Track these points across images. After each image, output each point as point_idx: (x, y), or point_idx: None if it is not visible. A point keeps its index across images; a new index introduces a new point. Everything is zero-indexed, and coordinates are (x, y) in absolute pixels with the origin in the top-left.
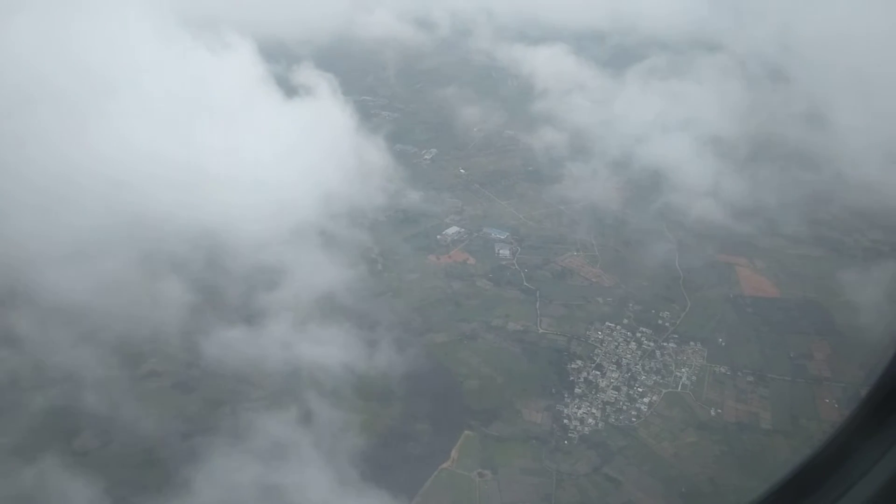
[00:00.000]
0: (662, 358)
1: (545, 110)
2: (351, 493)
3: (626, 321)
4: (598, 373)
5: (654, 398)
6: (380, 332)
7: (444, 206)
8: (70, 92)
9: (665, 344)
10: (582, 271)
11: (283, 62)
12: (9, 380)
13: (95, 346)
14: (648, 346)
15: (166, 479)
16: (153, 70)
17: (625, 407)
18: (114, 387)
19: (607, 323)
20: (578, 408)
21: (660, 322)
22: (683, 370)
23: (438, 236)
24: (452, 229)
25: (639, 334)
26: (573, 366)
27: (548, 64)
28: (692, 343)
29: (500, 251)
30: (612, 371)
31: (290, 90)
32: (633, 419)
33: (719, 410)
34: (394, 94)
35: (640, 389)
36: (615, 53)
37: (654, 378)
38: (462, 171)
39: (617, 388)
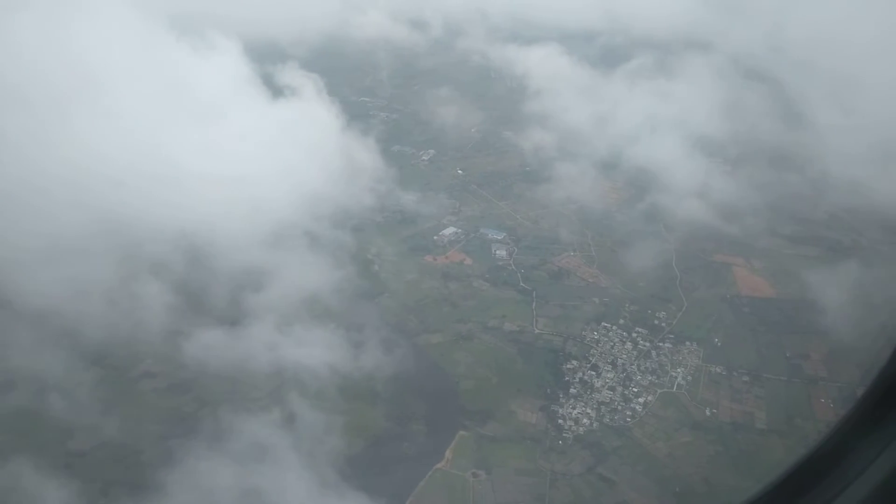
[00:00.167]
0: (658, 358)
1: (541, 111)
2: (345, 494)
3: (622, 321)
4: (593, 373)
5: (650, 398)
6: (375, 333)
7: (441, 206)
8: (46, 91)
9: (661, 344)
10: (578, 271)
11: (277, 63)
12: None
13: (73, 351)
14: (644, 346)
15: (172, 482)
16: (133, 70)
17: (620, 407)
18: (105, 389)
19: (603, 323)
20: (573, 408)
21: (656, 322)
22: (679, 370)
23: (435, 237)
24: (449, 230)
25: (635, 334)
26: (568, 366)
27: (543, 64)
28: (688, 343)
29: (497, 252)
30: (608, 371)
31: (286, 91)
32: (628, 419)
33: (714, 410)
34: (392, 95)
35: (636, 389)
36: (610, 53)
37: (650, 378)
38: (460, 171)
39: (612, 389)
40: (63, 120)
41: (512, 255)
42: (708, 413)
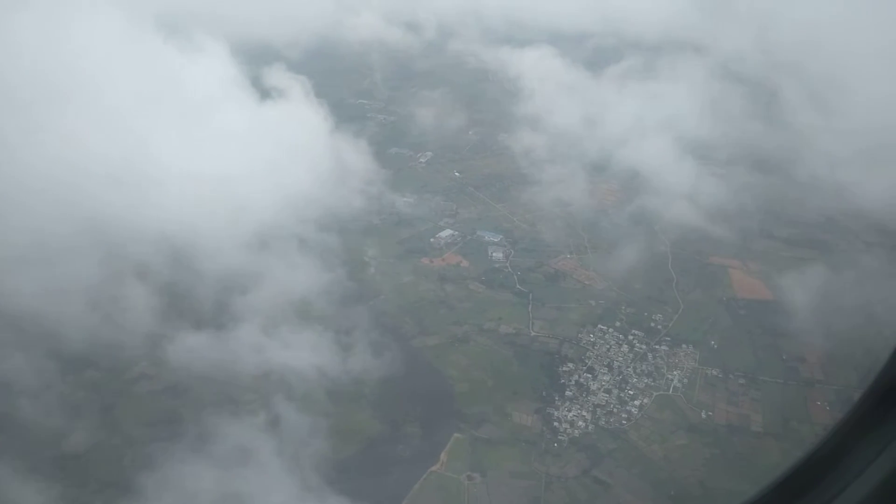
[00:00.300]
0: (654, 360)
1: (537, 113)
2: (340, 497)
3: (618, 324)
4: (589, 375)
5: (645, 401)
6: (371, 336)
7: (438, 209)
8: (28, 91)
9: (657, 346)
10: (575, 274)
11: (273, 64)
12: None
13: (62, 354)
14: (640, 348)
15: (172, 485)
16: (119, 71)
17: (615, 409)
18: (100, 392)
19: (599, 325)
20: (569, 410)
21: (652, 325)
22: (675, 373)
23: (432, 239)
24: (446, 232)
25: (631, 337)
26: (564, 368)
27: (538, 67)
28: (684, 345)
29: (494, 254)
30: (604, 374)
31: (282, 93)
32: (624, 422)
33: (710, 413)
34: (390, 97)
35: (631, 392)
36: (604, 56)
37: (646, 381)
38: (457, 174)
39: (608, 391)
40: (46, 120)
41: (508, 258)
42: (704, 416)
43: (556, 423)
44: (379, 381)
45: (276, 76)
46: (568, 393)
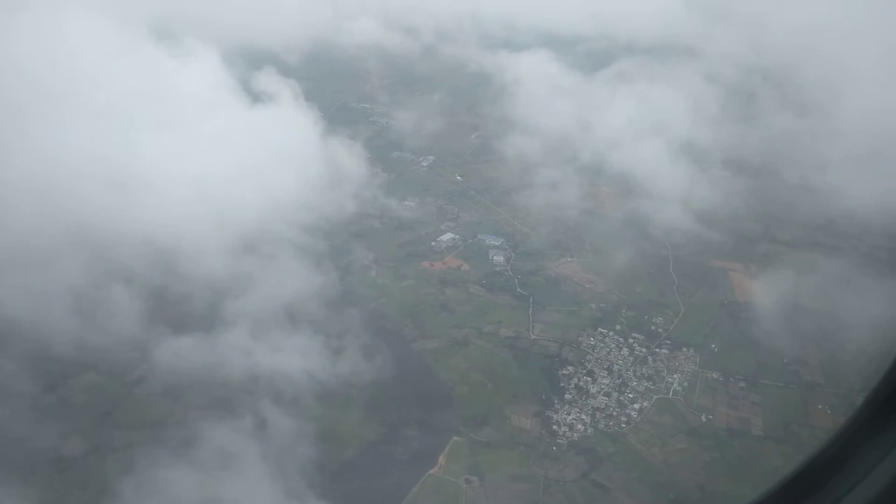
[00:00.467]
0: (654, 364)
1: (539, 117)
2: (337, 500)
3: (618, 327)
4: (588, 379)
5: (645, 404)
6: (371, 339)
7: (439, 212)
8: (12, 95)
9: (657, 350)
10: (576, 277)
11: (274, 69)
12: None
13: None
14: (641, 351)
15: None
16: (105, 75)
17: (615, 413)
18: (100, 395)
19: (600, 329)
20: (568, 414)
21: (652, 328)
22: (675, 376)
23: (433, 243)
24: (447, 236)
25: (631, 340)
26: (564, 372)
27: (539, 71)
28: (685, 349)
29: (495, 257)
30: (604, 377)
31: (284, 98)
32: (623, 425)
33: (710, 416)
34: (392, 101)
35: (631, 395)
36: (604, 59)
37: (646, 384)
38: (459, 177)
39: (607, 394)
40: (33, 124)
41: (509, 261)
42: (704, 419)
43: (555, 427)
44: (378, 384)
45: (276, 81)
46: (567, 396)
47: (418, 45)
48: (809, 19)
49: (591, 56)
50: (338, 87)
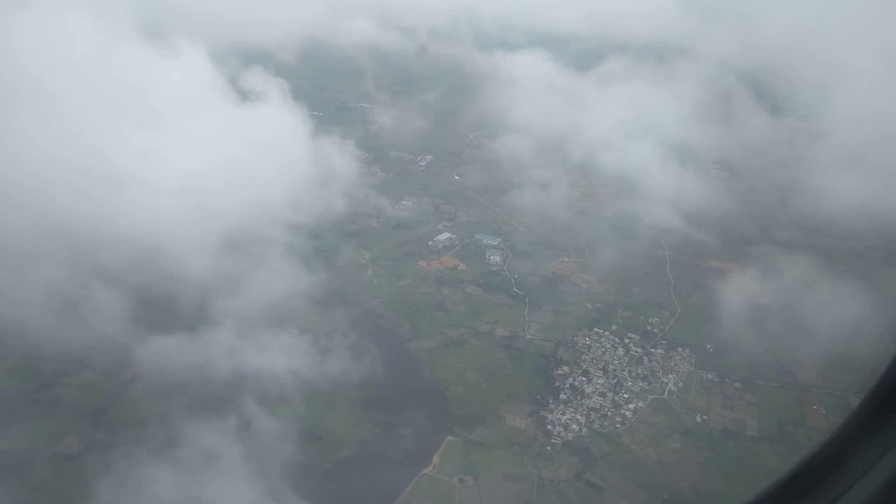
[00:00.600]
0: (650, 364)
1: (537, 117)
2: (331, 499)
3: (614, 327)
4: (584, 379)
5: (640, 404)
6: (367, 338)
7: (437, 212)
8: None
9: (653, 350)
10: (572, 277)
11: (271, 69)
12: None
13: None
14: (636, 352)
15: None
16: (88, 74)
17: (610, 413)
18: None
19: (595, 329)
20: (563, 413)
21: (648, 328)
22: (670, 376)
23: (430, 242)
24: (444, 235)
25: (627, 340)
26: (559, 371)
27: (537, 71)
28: (680, 349)
29: (491, 257)
30: (599, 377)
31: (282, 98)
32: (618, 425)
33: (705, 417)
34: (391, 101)
35: (626, 395)
36: (602, 59)
37: (641, 384)
38: (456, 177)
39: (602, 394)
40: (12, 122)
41: (506, 261)
42: (699, 419)
43: (549, 427)
44: (373, 383)
45: (273, 80)
46: (562, 396)
47: (415, 44)
48: (802, 20)
49: (587, 55)
50: (336, 87)
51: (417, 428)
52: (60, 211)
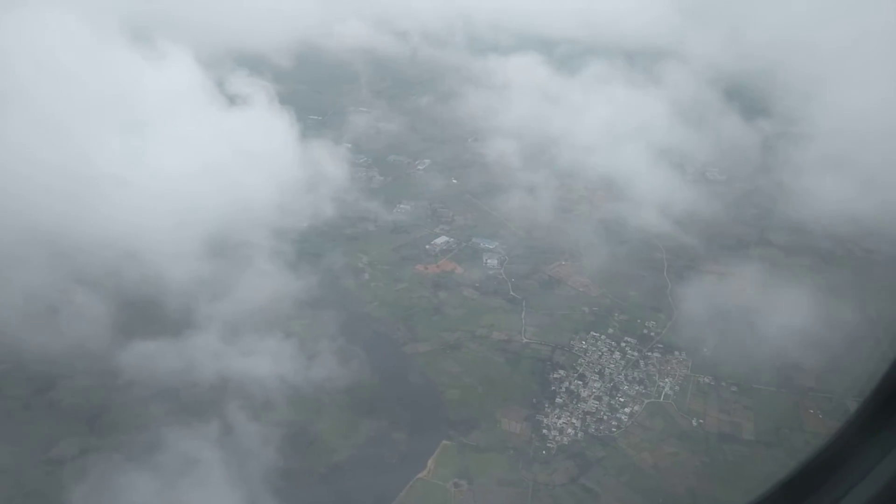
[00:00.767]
0: (646, 368)
1: (535, 121)
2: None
3: (611, 331)
4: (580, 382)
5: (636, 408)
6: (363, 342)
7: (434, 215)
8: None
9: (649, 354)
10: (569, 280)
11: (271, 74)
12: None
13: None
14: (632, 355)
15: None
16: (74, 78)
17: (605, 417)
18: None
19: (592, 332)
20: (558, 418)
21: (645, 331)
22: (667, 380)
23: (427, 246)
24: (441, 239)
25: (623, 344)
26: (555, 375)
27: (534, 74)
28: (677, 353)
29: (489, 261)
30: (595, 381)
31: (282, 102)
32: (614, 429)
33: (701, 421)
34: (389, 105)
35: (622, 399)
36: (597, 63)
37: (637, 388)
38: (454, 181)
39: (598, 398)
40: None
41: (503, 264)
42: (695, 423)
43: (545, 431)
44: (368, 387)
45: (271, 86)
46: (558, 400)
47: (411, 48)
48: (792, 23)
49: (581, 58)
50: (333, 91)
51: (412, 432)
52: (45, 215)
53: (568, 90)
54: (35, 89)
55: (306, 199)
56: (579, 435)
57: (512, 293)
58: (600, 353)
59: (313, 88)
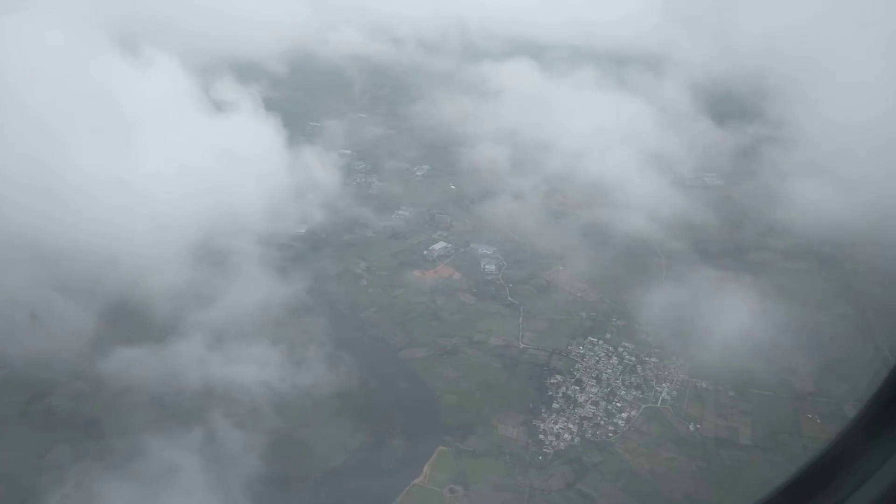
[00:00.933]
0: (643, 373)
1: (533, 126)
2: None
3: (608, 336)
4: (577, 388)
5: (633, 413)
6: (360, 348)
7: (432, 221)
8: None
9: (647, 359)
10: (567, 286)
11: (269, 82)
12: None
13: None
14: (630, 360)
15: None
16: (52, 83)
17: (602, 422)
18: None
19: (589, 337)
20: (555, 423)
21: (643, 336)
22: (664, 385)
23: (425, 252)
24: (439, 245)
25: (621, 349)
26: (552, 381)
27: (530, 80)
28: (674, 357)
29: (486, 266)
30: (592, 386)
31: (278, 108)
32: (611, 434)
33: (698, 426)
34: (388, 111)
35: (619, 404)
36: (594, 68)
37: (634, 393)
38: (452, 186)
39: (595, 404)
40: None
41: (501, 270)
42: (692, 428)
43: (541, 436)
44: (365, 393)
45: (267, 93)
46: (555, 405)
47: (405, 55)
48: (781, 28)
49: (575, 64)
50: (331, 98)
51: (409, 437)
52: (32, 220)
53: (561, 96)
54: (20, 94)
55: (305, 205)
56: (576, 440)
57: (509, 298)
58: (597, 358)
59: (310, 95)
